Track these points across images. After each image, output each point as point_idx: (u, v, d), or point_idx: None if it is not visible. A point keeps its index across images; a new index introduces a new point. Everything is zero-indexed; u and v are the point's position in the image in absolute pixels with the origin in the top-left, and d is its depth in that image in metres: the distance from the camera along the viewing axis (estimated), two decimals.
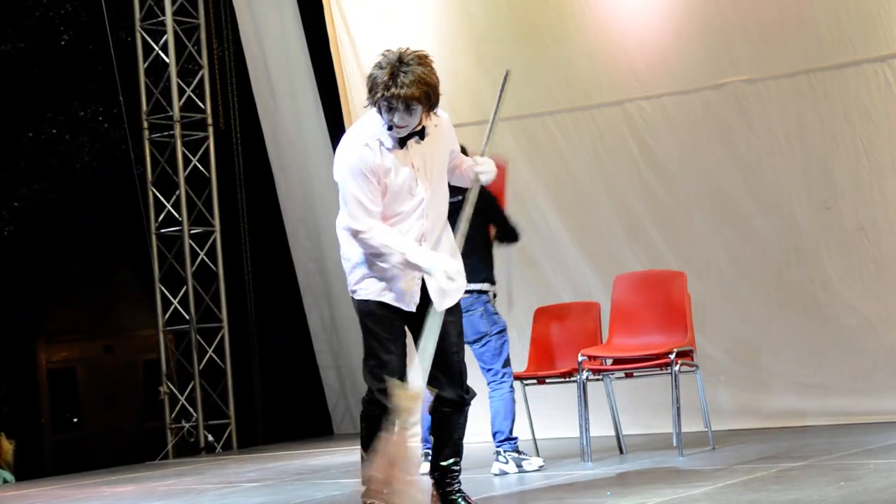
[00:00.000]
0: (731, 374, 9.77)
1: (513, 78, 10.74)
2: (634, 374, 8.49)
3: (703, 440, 8.35)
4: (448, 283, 5.75)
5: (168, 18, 13.82)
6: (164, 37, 13.87)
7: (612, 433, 8.70)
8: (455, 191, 6.41)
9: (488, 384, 8.08)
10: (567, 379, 8.62)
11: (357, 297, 5.95)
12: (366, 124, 5.86)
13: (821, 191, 9.62)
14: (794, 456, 7.51)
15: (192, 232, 13.88)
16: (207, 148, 14.06)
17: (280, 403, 14.72)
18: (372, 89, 5.69)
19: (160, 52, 13.91)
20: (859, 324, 9.44)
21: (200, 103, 14.06)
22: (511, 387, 8.11)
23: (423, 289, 5.91)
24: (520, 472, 7.94)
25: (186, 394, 13.80)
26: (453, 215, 6.26)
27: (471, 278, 7.59)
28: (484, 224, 8.12)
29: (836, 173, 9.55)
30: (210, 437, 13.74)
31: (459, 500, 6.06)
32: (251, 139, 14.17)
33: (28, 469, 14.44)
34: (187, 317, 13.84)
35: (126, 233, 17.39)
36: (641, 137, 10.25)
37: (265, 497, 8.34)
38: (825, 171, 9.60)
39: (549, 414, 9.60)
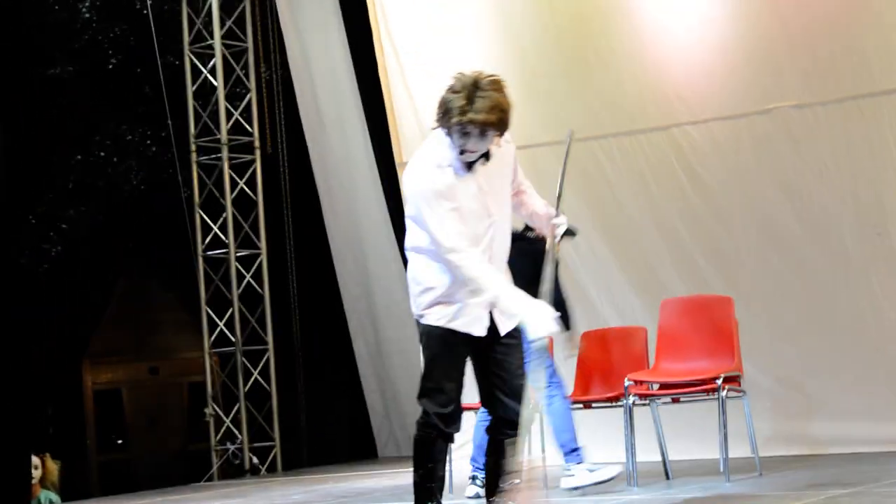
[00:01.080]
0: (778, 400, 9.73)
1: (558, 102, 10.82)
2: (681, 399, 8.46)
3: (750, 466, 8.31)
4: (541, 332, 5.69)
5: (216, 42, 13.90)
6: (213, 60, 13.95)
7: (659, 458, 8.66)
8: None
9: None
10: (613, 403, 8.58)
11: (424, 321, 5.85)
12: (434, 148, 5.77)
13: (870, 216, 9.58)
14: (842, 483, 7.46)
15: (238, 254, 13.93)
16: (254, 171, 14.12)
17: (325, 426, 14.72)
18: (446, 113, 5.58)
19: (208, 75, 13.99)
20: None
21: (248, 126, 14.13)
22: (562, 398, 8.05)
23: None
24: (594, 484, 7.87)
25: (232, 416, 13.83)
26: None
27: None
28: (531, 267, 8.10)
29: (886, 198, 9.51)
30: (255, 460, 13.76)
31: None
32: (298, 162, 14.22)
33: (74, 490, 14.48)
34: (233, 339, 13.88)
35: (172, 255, 17.46)
36: (688, 163, 10.24)
37: None
38: (874, 196, 9.56)
39: (595, 439, 9.55)
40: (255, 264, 14.03)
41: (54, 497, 12.77)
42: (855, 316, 9.64)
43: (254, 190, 14.09)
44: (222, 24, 13.96)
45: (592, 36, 10.68)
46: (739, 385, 8.22)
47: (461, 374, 5.87)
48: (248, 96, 14.16)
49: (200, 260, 13.98)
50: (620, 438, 8.40)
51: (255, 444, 13.86)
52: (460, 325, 5.78)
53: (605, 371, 9.07)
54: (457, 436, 9.31)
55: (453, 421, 5.85)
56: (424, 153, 5.83)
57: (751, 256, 10.00)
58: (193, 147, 14.09)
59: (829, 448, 9.38)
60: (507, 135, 5.84)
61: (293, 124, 14.19)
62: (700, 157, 10.19)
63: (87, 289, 19.67)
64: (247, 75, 14.16)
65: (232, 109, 14.03)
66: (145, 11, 14.77)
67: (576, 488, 7.96)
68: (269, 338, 13.98)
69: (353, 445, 14.35)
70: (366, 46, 12.34)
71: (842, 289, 9.69)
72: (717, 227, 10.18)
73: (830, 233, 9.74)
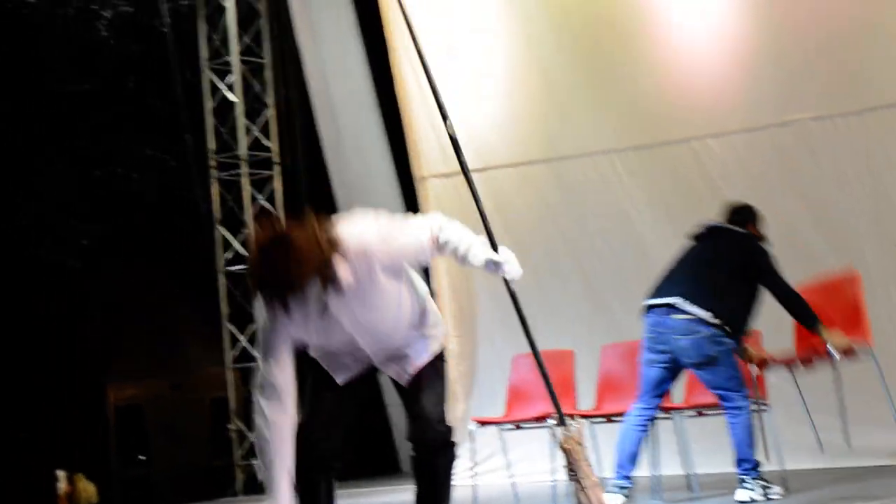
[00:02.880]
0: (802, 413, 9.68)
1: (579, 115, 10.79)
2: (704, 412, 8.43)
3: (776, 479, 8.27)
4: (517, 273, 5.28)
5: (234, 58, 13.94)
6: (231, 76, 13.99)
7: (683, 472, 8.64)
8: None
9: (725, 410, 7.85)
10: None
11: None
12: None
13: (890, 228, 9.57)
14: (867, 496, 7.43)
15: None
16: (273, 186, 14.15)
17: (348, 442, 14.71)
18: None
19: (226, 91, 14.02)
20: None
21: (267, 142, 14.16)
22: (749, 410, 7.82)
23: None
24: (766, 500, 7.79)
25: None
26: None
27: (697, 302, 7.64)
28: (743, 277, 7.90)
29: None
30: None
31: None
32: (317, 177, 14.24)
33: None
34: (255, 354, 13.87)
35: (193, 271, 17.50)
36: (708, 175, 10.24)
37: None
38: (894, 208, 9.54)
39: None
40: None
41: None
42: (878, 328, 9.59)
43: (273, 205, 14.12)
44: (240, 40, 13.99)
45: (612, 49, 10.70)
46: (764, 397, 8.20)
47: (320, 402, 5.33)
48: (267, 112, 14.18)
49: (221, 275, 14.00)
50: (646, 452, 8.38)
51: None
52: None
53: (629, 383, 9.07)
54: (479, 449, 9.35)
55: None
56: None
57: None
58: (213, 163, 14.13)
59: (854, 461, 9.34)
60: (367, 243, 5.03)
61: (312, 139, 14.21)
62: (720, 170, 10.18)
63: (108, 305, 19.70)
64: (264, 91, 14.18)
65: (250, 125, 14.06)
66: (164, 29, 14.81)
67: (753, 501, 7.80)
68: None
69: (376, 461, 14.35)
70: (384, 60, 12.36)
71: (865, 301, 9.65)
72: None
73: (850, 245, 9.71)
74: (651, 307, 7.86)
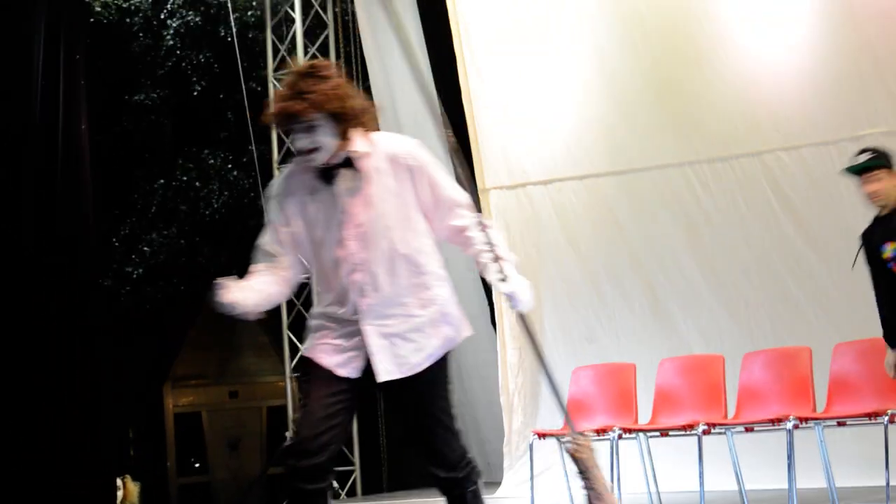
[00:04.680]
0: None
1: (653, 128, 10.74)
2: (755, 428, 8.38)
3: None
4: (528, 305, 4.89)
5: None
6: None
7: (735, 488, 8.56)
8: None
9: None
10: (688, 432, 8.49)
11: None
12: None
13: None
14: None
15: None
16: None
17: (405, 451, 14.70)
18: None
19: None
20: None
21: None
22: None
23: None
24: None
25: None
26: None
27: None
28: None
29: None
30: (335, 484, 13.77)
31: None
32: None
33: None
34: None
35: None
36: (780, 189, 10.18)
37: None
38: None
39: (671, 466, 9.45)
40: None
41: None
42: None
43: None
44: (306, 52, 14.03)
45: (684, 63, 10.66)
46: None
47: (321, 407, 4.79)
48: None
49: None
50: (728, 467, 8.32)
51: (335, 469, 13.85)
52: (325, 362, 4.85)
53: (684, 398, 9.04)
54: (539, 461, 9.32)
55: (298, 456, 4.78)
56: None
57: (844, 283, 9.90)
58: (277, 172, 14.16)
59: None
60: (399, 143, 4.90)
61: None
62: (792, 184, 10.13)
63: (168, 312, 19.79)
64: None
65: None
66: (230, 39, 14.89)
67: None
68: None
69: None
70: (450, 72, 12.34)
71: None
72: (809, 254, 10.09)
73: None
74: None
